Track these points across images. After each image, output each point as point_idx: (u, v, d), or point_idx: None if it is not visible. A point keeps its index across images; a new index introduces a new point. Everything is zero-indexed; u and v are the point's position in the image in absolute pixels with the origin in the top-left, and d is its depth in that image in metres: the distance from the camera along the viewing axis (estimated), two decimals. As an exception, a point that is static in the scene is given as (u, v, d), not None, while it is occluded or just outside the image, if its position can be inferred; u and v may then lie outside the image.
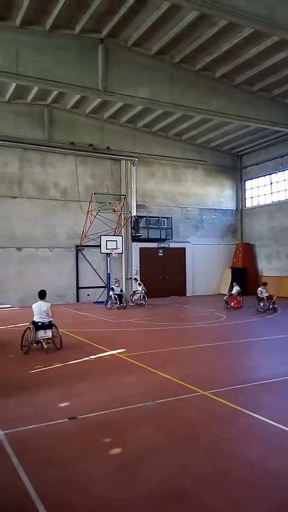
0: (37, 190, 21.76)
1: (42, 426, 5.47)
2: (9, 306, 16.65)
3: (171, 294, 24.11)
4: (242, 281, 25.03)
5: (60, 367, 8.56)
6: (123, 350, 9.98)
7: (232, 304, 18.65)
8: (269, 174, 25.77)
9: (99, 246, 21.43)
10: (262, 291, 17.23)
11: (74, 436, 5.21)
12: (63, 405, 6.35)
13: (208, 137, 24.66)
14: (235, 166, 27.62)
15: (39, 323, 10.02)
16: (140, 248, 23.96)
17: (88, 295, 22.49)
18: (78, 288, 22.36)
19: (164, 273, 24.23)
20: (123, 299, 19.20)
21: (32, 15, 13.87)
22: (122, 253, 22.66)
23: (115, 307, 18.83)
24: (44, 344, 9.98)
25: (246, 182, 27.55)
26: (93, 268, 22.71)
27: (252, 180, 27.12)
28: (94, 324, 14.74)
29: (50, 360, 9.09)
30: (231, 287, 19.77)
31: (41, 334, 10.10)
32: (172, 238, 24.68)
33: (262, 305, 17.13)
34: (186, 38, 15.38)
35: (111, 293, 19.43)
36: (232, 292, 19.09)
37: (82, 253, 22.60)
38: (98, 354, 9.69)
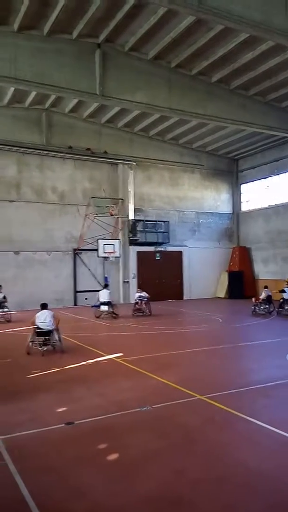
0: (35, 194, 21.77)
1: (39, 432, 5.47)
2: (7, 310, 16.66)
3: (168, 298, 24.10)
4: (239, 285, 25.15)
5: (57, 372, 8.55)
6: (121, 354, 9.98)
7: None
8: (265, 178, 25.87)
9: (97, 250, 21.42)
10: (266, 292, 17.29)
11: (71, 442, 5.21)
12: (60, 410, 6.35)
13: (204, 141, 24.76)
14: (231, 170, 27.72)
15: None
16: (138, 252, 23.99)
17: (86, 298, 22.44)
18: (76, 292, 22.34)
19: (161, 277, 24.24)
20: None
21: (30, 20, 13.93)
22: (119, 256, 22.67)
23: None
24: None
25: (242, 186, 27.65)
26: (91, 272, 22.71)
27: (248, 184, 27.22)
28: (92, 328, 14.73)
29: (47, 364, 9.08)
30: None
31: (104, 308, 16.56)
32: (169, 242, 24.73)
33: (262, 307, 17.14)
34: (183, 43, 15.47)
35: None
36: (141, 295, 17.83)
37: (79, 257, 22.60)
38: (96, 358, 9.69)
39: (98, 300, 17.08)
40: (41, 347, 10.14)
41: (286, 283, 18.02)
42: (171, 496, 3.95)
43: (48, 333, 10.31)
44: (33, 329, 10.34)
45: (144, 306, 17.46)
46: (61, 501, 3.92)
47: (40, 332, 10.27)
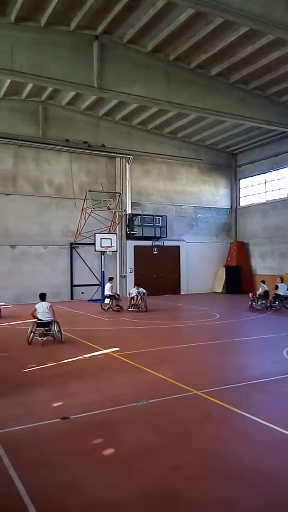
0: (31, 187, 21.64)
1: (34, 426, 5.44)
2: (3, 304, 16.57)
3: (166, 293, 24.12)
4: (236, 280, 25.17)
5: (53, 366, 8.52)
6: (117, 349, 9.96)
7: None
8: (264, 173, 25.81)
9: (94, 244, 21.38)
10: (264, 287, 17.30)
11: (66, 436, 5.18)
12: (55, 404, 6.31)
13: (203, 135, 24.66)
14: (229, 165, 27.64)
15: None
16: (135, 246, 23.94)
17: (82, 293, 22.44)
18: (72, 286, 22.29)
19: (158, 271, 24.22)
20: None
21: (27, 11, 13.78)
22: (116, 251, 22.59)
23: None
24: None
25: (241, 180, 27.59)
26: (88, 266, 22.65)
27: (247, 178, 27.16)
28: (88, 322, 14.70)
29: (43, 359, 9.05)
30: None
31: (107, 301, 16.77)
32: (166, 236, 24.69)
33: (259, 303, 17.13)
34: (182, 36, 15.34)
35: None
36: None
37: (76, 251, 22.52)
38: (92, 353, 9.66)
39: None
40: (41, 337, 10.47)
41: (279, 278, 18.07)
42: (167, 491, 3.93)
43: (48, 324, 10.64)
44: (34, 320, 10.66)
45: (140, 301, 17.27)
46: (56, 496, 3.90)
47: (40, 323, 10.60)
